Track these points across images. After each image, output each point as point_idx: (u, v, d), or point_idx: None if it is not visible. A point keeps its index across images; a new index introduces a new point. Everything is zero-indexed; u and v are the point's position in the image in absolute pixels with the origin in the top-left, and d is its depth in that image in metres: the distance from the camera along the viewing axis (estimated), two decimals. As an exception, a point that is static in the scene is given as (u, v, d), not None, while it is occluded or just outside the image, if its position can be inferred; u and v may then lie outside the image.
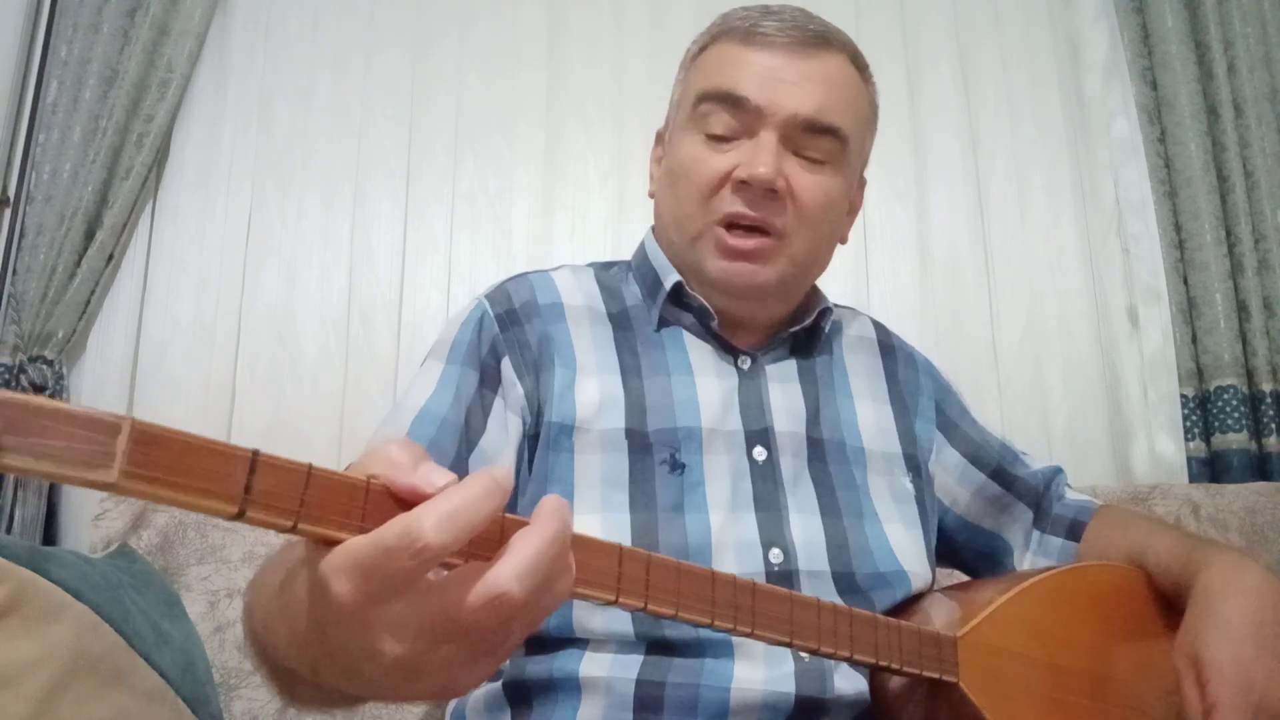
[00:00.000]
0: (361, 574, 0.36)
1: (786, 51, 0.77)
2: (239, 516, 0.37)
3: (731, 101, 0.77)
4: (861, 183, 0.88)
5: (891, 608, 0.76)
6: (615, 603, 0.46)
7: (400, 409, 0.75)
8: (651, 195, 0.88)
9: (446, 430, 0.72)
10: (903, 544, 0.80)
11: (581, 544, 0.45)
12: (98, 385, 1.53)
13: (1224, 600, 0.72)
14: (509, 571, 0.37)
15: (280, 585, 0.47)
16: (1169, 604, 0.78)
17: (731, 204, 0.77)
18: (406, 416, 0.73)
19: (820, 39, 0.79)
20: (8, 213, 1.56)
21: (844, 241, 0.87)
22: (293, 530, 0.37)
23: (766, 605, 0.53)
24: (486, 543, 0.39)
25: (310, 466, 0.38)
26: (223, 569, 1.21)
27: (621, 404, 0.77)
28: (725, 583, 0.51)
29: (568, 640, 0.71)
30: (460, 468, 0.72)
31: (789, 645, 0.54)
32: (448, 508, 0.36)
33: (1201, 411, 1.59)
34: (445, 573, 0.38)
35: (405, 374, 1.57)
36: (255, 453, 0.37)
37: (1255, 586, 0.72)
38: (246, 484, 0.37)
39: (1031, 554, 0.92)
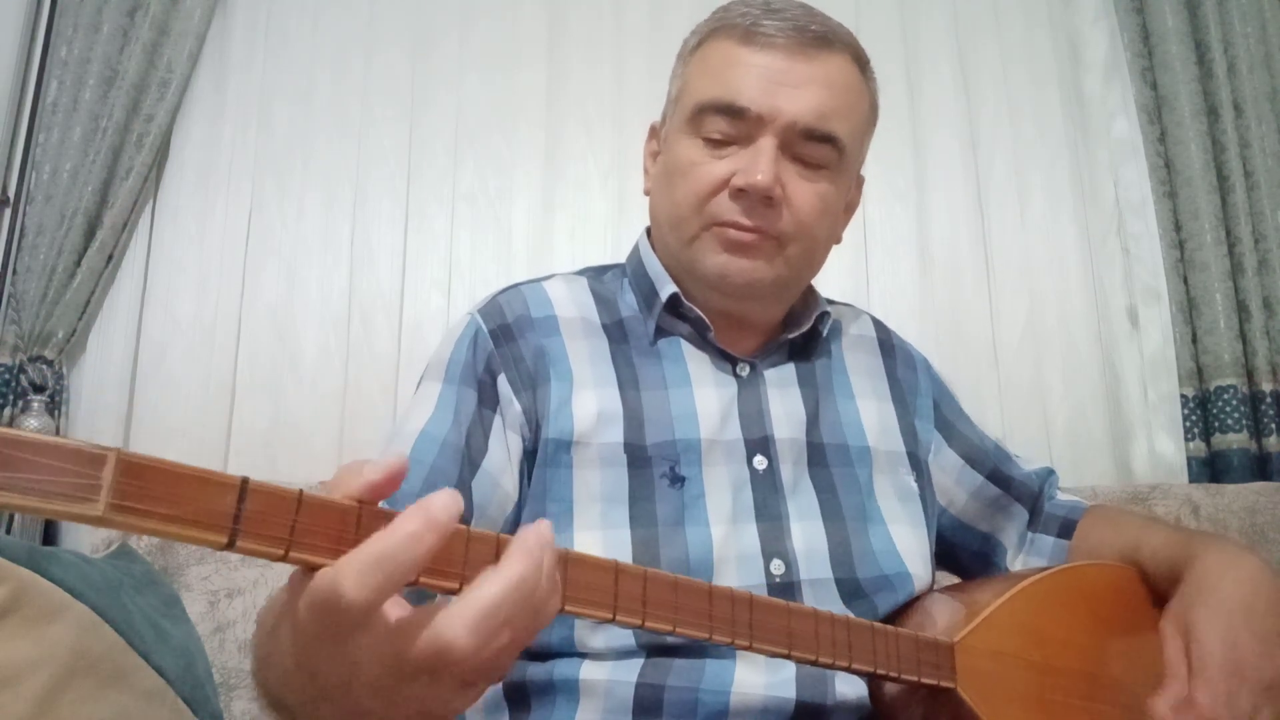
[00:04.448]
0: (316, 615, 0.36)
1: (787, 54, 0.76)
2: (229, 546, 0.36)
3: (733, 113, 0.76)
4: (859, 181, 0.87)
5: (891, 610, 0.76)
6: (613, 620, 0.45)
7: (399, 434, 0.74)
8: (647, 192, 0.87)
9: (448, 453, 0.71)
10: (908, 545, 0.79)
11: (576, 561, 0.44)
12: (98, 385, 1.53)
13: (1219, 578, 0.72)
14: (457, 623, 0.36)
15: (271, 628, 0.47)
16: (1163, 601, 0.78)
17: (729, 211, 0.76)
18: (406, 442, 0.72)
19: (822, 40, 0.77)
20: (8, 213, 1.56)
21: (838, 241, 0.86)
22: (284, 559, 0.36)
23: (764, 618, 0.52)
24: (450, 561, 0.39)
25: (301, 492, 0.37)
26: (223, 569, 1.21)
27: (620, 418, 0.76)
28: (722, 596, 0.51)
29: (570, 653, 0.71)
30: (464, 490, 0.71)
31: (787, 657, 0.54)
32: (369, 557, 0.35)
33: (1201, 411, 1.59)
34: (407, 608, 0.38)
35: (405, 374, 1.57)
36: (245, 480, 0.36)
37: (1251, 573, 0.73)
38: (236, 512, 0.36)
39: (1024, 554, 0.92)
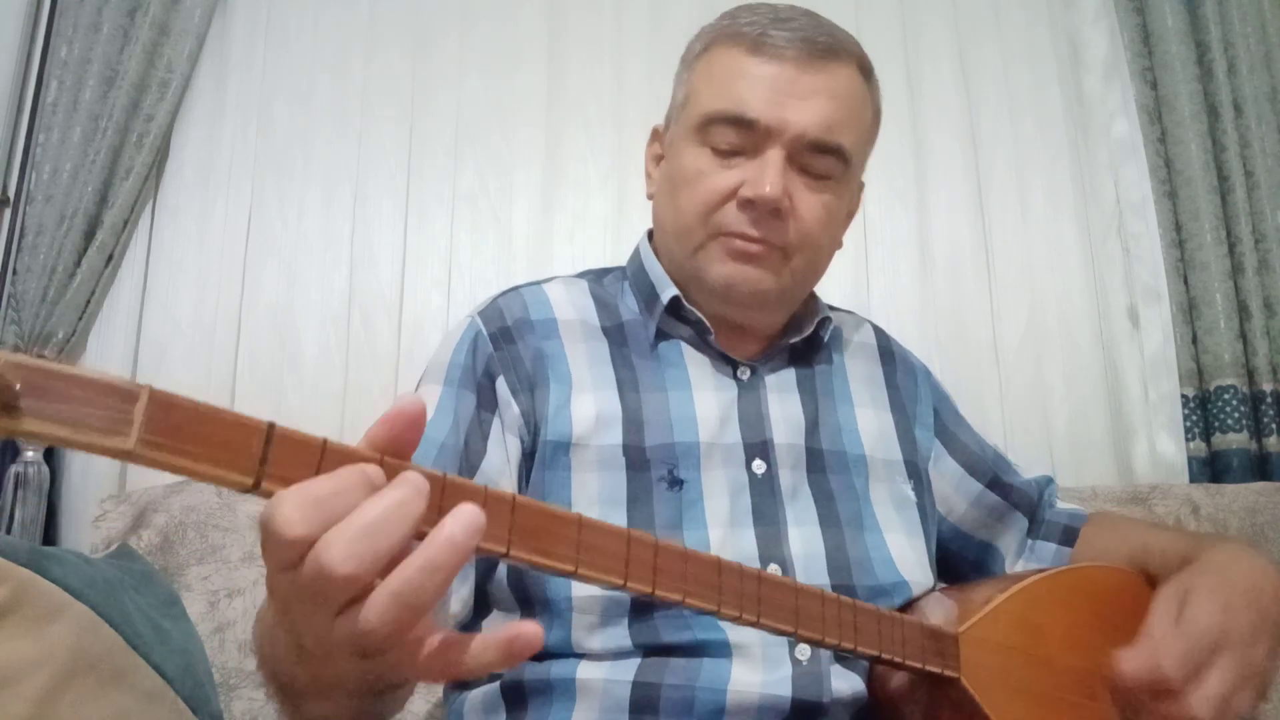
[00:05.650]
0: (264, 546, 0.38)
1: (796, 65, 0.76)
2: (254, 488, 0.37)
3: (741, 124, 0.76)
4: (859, 186, 0.87)
5: None
6: (624, 587, 0.46)
7: None
8: (650, 197, 0.87)
9: (446, 455, 0.72)
10: (904, 554, 0.79)
11: (590, 527, 0.45)
12: (98, 385, 1.53)
13: (1229, 561, 0.72)
14: (379, 603, 0.37)
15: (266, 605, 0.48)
16: None
17: (736, 222, 0.76)
18: None
19: (829, 51, 0.77)
20: (8, 213, 1.56)
21: (839, 246, 0.86)
22: None
23: (772, 593, 0.53)
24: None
25: (325, 440, 0.39)
26: (223, 569, 1.21)
27: (619, 420, 0.76)
28: (731, 571, 0.51)
29: (566, 653, 0.71)
30: None
31: (794, 635, 0.54)
32: (308, 495, 0.36)
33: (1202, 411, 1.59)
34: None
35: (406, 374, 1.57)
36: (272, 425, 0.38)
37: (1262, 566, 0.72)
38: (263, 455, 0.37)
39: (1024, 561, 0.92)
